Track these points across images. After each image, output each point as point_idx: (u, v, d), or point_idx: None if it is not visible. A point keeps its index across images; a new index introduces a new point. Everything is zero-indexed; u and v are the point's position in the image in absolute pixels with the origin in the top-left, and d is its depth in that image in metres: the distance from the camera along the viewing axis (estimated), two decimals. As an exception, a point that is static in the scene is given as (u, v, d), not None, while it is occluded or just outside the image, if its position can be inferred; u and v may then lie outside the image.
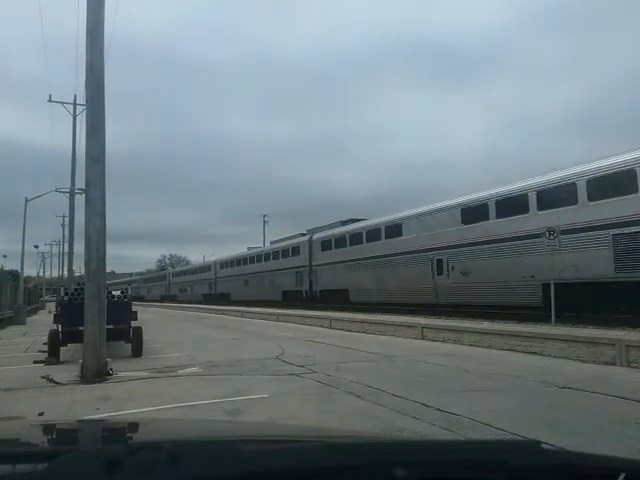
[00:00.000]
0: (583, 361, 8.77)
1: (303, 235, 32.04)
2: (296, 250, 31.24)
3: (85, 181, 8.99)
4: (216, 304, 39.39)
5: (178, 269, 73.01)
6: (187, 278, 58.19)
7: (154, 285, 72.96)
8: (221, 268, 46.51)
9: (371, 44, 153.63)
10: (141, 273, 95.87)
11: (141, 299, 63.21)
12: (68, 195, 28.84)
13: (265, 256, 36.48)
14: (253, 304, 32.20)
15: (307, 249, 29.75)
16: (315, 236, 29.51)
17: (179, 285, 60.59)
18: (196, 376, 8.15)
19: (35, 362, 9.87)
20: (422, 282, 19.42)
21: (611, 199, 12.86)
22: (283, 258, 33.02)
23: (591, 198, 13.40)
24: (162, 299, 63.02)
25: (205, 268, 52.45)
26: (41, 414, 5.47)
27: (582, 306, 12.97)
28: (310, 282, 29.16)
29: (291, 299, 30.64)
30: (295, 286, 30.90)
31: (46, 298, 62.30)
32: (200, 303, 46.12)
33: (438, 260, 18.60)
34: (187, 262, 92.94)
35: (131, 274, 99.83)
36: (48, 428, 1.97)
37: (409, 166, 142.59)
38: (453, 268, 17.96)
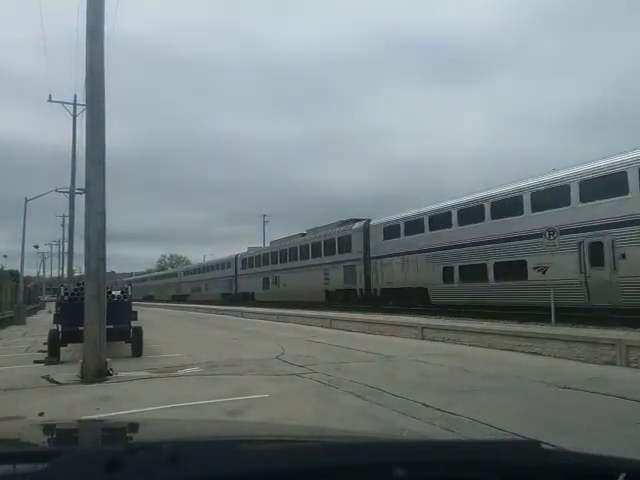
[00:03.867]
0: (583, 361, 8.78)
1: (304, 235, 34.51)
2: (228, 264, 45.46)
3: (85, 181, 8.99)
4: (184, 302, 52.02)
5: (156, 274, 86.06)
6: (161, 282, 70.86)
7: (137, 287, 76.16)
8: (184, 275, 60.57)
9: (371, 42, 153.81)
10: (141, 273, 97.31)
11: None
12: (68, 195, 28.86)
13: (210, 267, 51.20)
14: (207, 302, 43.76)
15: (234, 264, 43.64)
16: (238, 255, 43.79)
17: (155, 287, 73.04)
18: (196, 376, 8.15)
19: (35, 362, 9.87)
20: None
21: (345, 253, 26.70)
22: (221, 269, 47.38)
23: (340, 251, 27.25)
24: (144, 299, 68.84)
25: (174, 274, 66.73)
26: (41, 414, 5.46)
27: (338, 300, 26.58)
28: (236, 286, 43.27)
29: (225, 299, 43.66)
30: (228, 290, 44.83)
31: (46, 298, 62.28)
32: (169, 302, 57.63)
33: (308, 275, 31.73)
34: (187, 262, 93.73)
35: (131, 274, 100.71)
36: (48, 428, 1.97)
37: (410, 166, 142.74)
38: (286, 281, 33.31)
